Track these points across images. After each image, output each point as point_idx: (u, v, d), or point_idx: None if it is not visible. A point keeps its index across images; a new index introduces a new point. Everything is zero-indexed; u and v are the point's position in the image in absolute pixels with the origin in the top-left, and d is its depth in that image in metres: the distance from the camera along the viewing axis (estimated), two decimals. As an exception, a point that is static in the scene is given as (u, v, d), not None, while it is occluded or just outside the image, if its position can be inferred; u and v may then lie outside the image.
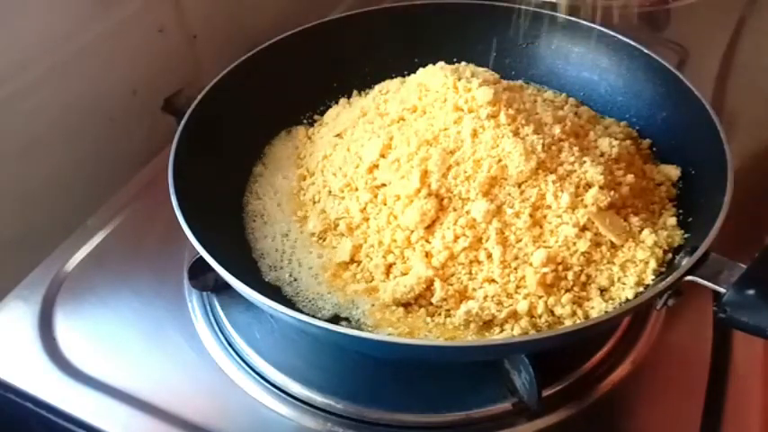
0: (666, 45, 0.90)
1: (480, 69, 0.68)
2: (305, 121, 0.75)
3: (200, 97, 0.66)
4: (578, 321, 0.54)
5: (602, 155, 0.63)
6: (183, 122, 0.63)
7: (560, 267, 0.56)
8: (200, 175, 0.63)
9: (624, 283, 0.56)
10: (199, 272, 0.59)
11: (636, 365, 0.57)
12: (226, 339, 0.59)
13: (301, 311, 0.56)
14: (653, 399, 0.55)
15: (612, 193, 0.59)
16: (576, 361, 0.56)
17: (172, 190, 0.56)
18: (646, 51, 0.70)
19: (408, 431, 0.54)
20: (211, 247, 0.53)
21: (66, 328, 0.61)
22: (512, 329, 0.54)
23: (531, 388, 0.51)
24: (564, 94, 0.75)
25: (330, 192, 0.65)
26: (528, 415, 0.53)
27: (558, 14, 0.74)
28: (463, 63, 0.76)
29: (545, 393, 0.51)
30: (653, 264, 0.56)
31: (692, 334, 0.59)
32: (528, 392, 0.51)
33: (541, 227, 0.57)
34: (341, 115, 0.72)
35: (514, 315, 0.55)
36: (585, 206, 0.57)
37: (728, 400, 0.55)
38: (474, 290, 0.56)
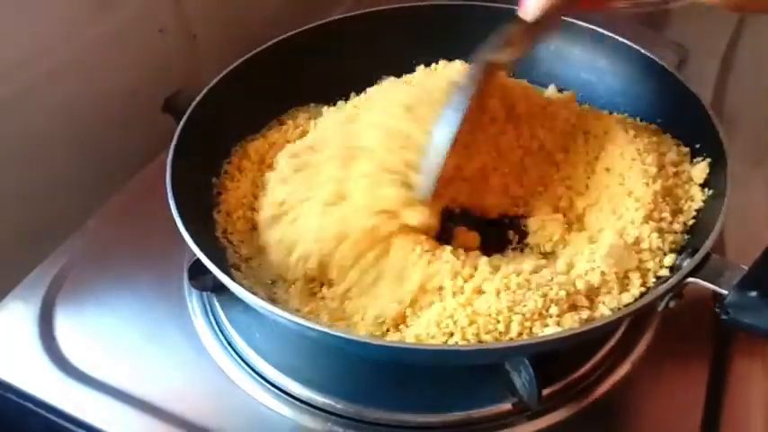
0: (666, 45, 0.90)
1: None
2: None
3: (198, 98, 0.66)
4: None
5: None
6: (181, 123, 0.63)
7: None
8: (199, 177, 0.63)
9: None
10: (199, 272, 0.59)
11: (636, 365, 0.57)
12: (226, 339, 0.59)
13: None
14: (653, 399, 0.55)
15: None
16: (576, 361, 0.56)
17: (169, 190, 0.56)
18: (645, 53, 0.69)
19: (408, 431, 0.54)
20: (209, 250, 0.53)
21: (66, 328, 0.61)
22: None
23: (531, 388, 0.50)
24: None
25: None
26: (528, 415, 0.53)
27: None
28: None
29: (545, 393, 0.51)
30: (654, 266, 0.56)
31: (692, 334, 0.59)
32: (528, 392, 0.51)
33: None
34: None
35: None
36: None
37: (728, 400, 0.55)
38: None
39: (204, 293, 0.62)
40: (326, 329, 0.50)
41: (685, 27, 0.96)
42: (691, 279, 0.50)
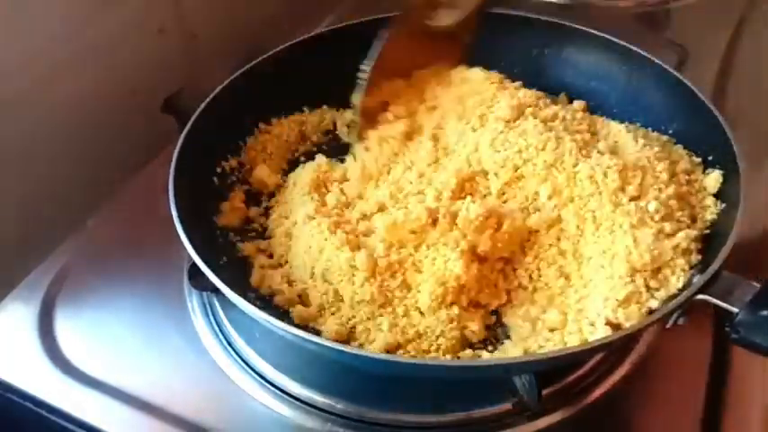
0: (666, 45, 0.90)
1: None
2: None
3: (205, 102, 0.65)
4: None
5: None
6: (188, 126, 0.62)
7: None
8: (201, 179, 0.63)
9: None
10: (198, 272, 0.59)
11: (635, 366, 0.57)
12: (226, 339, 0.59)
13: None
14: (652, 400, 0.55)
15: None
16: (576, 362, 0.56)
17: (171, 194, 0.56)
18: (657, 62, 0.68)
19: (408, 431, 0.54)
20: (208, 254, 0.53)
21: (66, 328, 0.61)
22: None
23: (531, 388, 0.51)
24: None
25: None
26: (528, 415, 0.53)
27: (567, 23, 0.73)
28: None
29: (545, 393, 0.51)
30: (683, 263, 0.55)
31: (692, 335, 0.59)
32: (528, 393, 0.51)
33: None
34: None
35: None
36: None
37: (728, 400, 0.55)
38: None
39: (204, 293, 0.62)
40: (323, 342, 0.49)
41: (685, 27, 0.96)
42: (700, 296, 0.49)
